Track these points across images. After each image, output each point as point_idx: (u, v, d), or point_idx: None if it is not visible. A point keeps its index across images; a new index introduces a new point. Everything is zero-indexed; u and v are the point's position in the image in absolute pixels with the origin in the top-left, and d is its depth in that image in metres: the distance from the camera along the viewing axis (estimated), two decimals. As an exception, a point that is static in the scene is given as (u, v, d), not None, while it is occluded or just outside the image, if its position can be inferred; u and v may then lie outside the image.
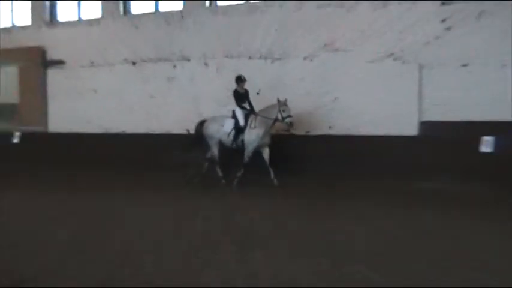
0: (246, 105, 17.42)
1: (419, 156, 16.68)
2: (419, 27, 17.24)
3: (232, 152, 17.45)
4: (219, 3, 20.80)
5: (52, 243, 9.83)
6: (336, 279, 7.71)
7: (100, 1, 22.91)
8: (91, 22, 23.08)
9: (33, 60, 23.99)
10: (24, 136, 24.11)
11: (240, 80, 17.43)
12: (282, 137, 18.37)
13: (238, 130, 17.21)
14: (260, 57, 19.56)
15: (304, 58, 18.81)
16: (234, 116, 17.48)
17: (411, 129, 17.14)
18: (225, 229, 10.85)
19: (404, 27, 17.45)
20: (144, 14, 22.16)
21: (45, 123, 24.05)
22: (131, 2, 22.56)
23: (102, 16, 22.86)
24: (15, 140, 24.18)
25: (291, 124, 16.44)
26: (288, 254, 8.89)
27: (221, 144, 17.64)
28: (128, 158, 20.97)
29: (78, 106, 23.07)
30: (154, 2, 22.00)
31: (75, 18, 23.72)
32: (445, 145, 16.41)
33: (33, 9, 24.39)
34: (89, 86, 22.89)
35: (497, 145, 15.48)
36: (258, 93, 19.17)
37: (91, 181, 18.38)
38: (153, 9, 22.07)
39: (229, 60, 20.11)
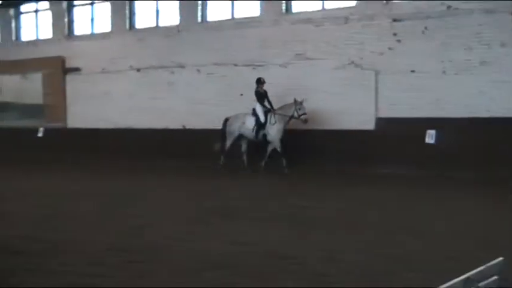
0: (266, 104, 17.44)
1: (376, 147, 16.79)
2: (375, 40, 17.37)
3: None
4: (210, 19, 20.95)
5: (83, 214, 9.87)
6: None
7: (110, 17, 23.07)
8: (103, 35, 23.24)
9: (55, 68, 24.12)
10: (47, 131, 24.28)
11: (259, 82, 17.48)
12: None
13: (260, 126, 17.25)
14: (243, 65, 19.72)
15: (280, 65, 18.96)
16: (254, 114, 17.46)
17: (369, 124, 17.29)
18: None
19: (363, 40, 17.58)
20: (146, 29, 22.32)
21: (65, 120, 24.21)
22: (136, 17, 22.70)
23: (112, 30, 23.02)
24: (40, 134, 24.35)
25: (306, 121, 16.64)
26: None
27: (244, 138, 17.77)
28: (135, 149, 21.15)
29: (93, 106, 23.22)
30: (155, 17, 22.13)
31: (89, 32, 23.87)
32: (397, 138, 16.51)
33: (54, 24, 24.51)
34: (102, 89, 23.04)
35: (438, 137, 15.71)
36: (241, 95, 19.36)
37: (105, 166, 18.61)
38: (154, 24, 22.22)
39: (218, 68, 20.24)
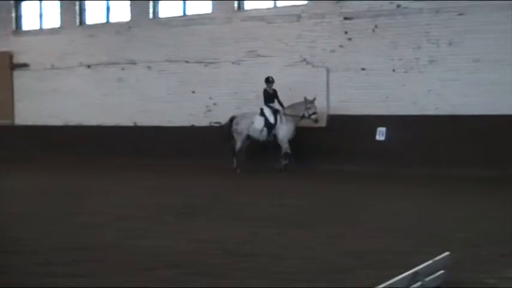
0: (274, 104, 16.88)
1: (328, 144, 16.93)
2: (326, 38, 17.53)
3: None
4: (161, 15, 20.82)
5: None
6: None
7: (59, 13, 22.70)
8: (52, 31, 22.84)
9: (2, 64, 23.60)
10: (-6, 128, 23.74)
11: (268, 81, 16.89)
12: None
13: (269, 126, 16.71)
14: (195, 62, 19.66)
15: (233, 63, 18.99)
16: (262, 114, 16.87)
17: (320, 121, 17.43)
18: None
19: (315, 37, 17.72)
20: (97, 25, 22.02)
21: (13, 117, 23.74)
22: (86, 13, 22.39)
23: (61, 26, 22.65)
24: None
25: (316, 120, 16.28)
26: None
27: (250, 138, 17.16)
28: (85, 146, 20.88)
29: (41, 102, 22.79)
30: (105, 13, 21.88)
31: (38, 28, 23.44)
32: (348, 135, 16.70)
33: (1, 19, 23.97)
34: (51, 86, 22.62)
35: (387, 134, 15.94)
36: (193, 92, 19.34)
37: (56, 164, 18.33)
38: (105, 20, 21.95)
39: (169, 64, 20.13)
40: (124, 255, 6.95)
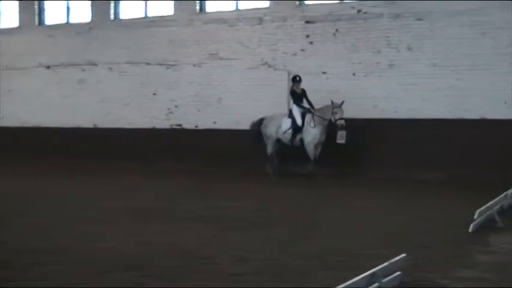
0: (304, 104, 15.93)
1: (288, 148, 16.80)
2: (288, 41, 17.59)
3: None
4: (122, 17, 20.65)
5: None
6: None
7: (18, 13, 22.35)
8: (9, 31, 22.46)
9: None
10: None
11: (295, 80, 15.93)
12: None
13: (296, 129, 15.74)
14: (157, 64, 19.55)
15: (194, 65, 18.91)
16: (290, 115, 16.00)
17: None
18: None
19: (276, 40, 17.77)
20: (56, 25, 21.74)
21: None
22: (45, 13, 22.08)
23: (20, 26, 22.30)
24: None
25: (342, 127, 15.13)
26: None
27: (279, 141, 16.28)
28: (43, 148, 20.55)
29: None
30: (66, 14, 21.61)
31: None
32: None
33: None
34: (7, 87, 22.21)
35: (348, 138, 15.93)
36: (154, 94, 19.24)
37: (11, 166, 18.02)
38: (65, 21, 21.67)
39: (130, 66, 19.97)
40: (80, 257, 6.86)
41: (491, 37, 15.01)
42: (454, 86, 15.39)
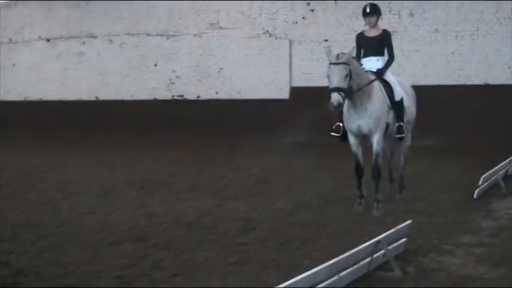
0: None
1: (290, 116, 16.87)
2: (288, 9, 17.45)
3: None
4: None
5: None
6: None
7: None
8: (7, 4, 22.25)
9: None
10: None
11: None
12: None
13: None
14: (157, 35, 19.41)
15: (194, 35, 18.79)
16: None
17: (284, 93, 17.44)
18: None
19: (277, 9, 17.61)
20: (55, -3, 21.56)
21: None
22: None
23: (19, -1, 22.13)
24: None
25: None
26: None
27: None
28: (46, 121, 20.49)
29: (-1, 77, 22.27)
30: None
31: (-6, 1, 22.81)
32: (310, 106, 16.66)
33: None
34: (8, 60, 22.12)
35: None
36: (155, 65, 19.14)
37: (15, 140, 17.96)
38: (63, -7, 21.45)
39: (130, 38, 19.81)
40: (86, 229, 6.87)
41: (495, 1, 14.86)
42: (457, 52, 15.29)
